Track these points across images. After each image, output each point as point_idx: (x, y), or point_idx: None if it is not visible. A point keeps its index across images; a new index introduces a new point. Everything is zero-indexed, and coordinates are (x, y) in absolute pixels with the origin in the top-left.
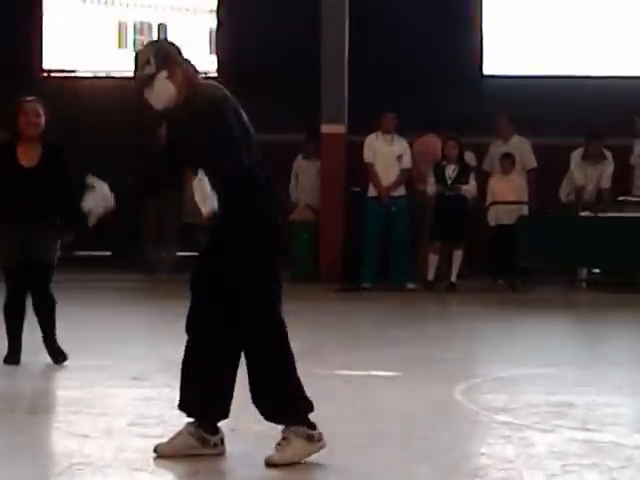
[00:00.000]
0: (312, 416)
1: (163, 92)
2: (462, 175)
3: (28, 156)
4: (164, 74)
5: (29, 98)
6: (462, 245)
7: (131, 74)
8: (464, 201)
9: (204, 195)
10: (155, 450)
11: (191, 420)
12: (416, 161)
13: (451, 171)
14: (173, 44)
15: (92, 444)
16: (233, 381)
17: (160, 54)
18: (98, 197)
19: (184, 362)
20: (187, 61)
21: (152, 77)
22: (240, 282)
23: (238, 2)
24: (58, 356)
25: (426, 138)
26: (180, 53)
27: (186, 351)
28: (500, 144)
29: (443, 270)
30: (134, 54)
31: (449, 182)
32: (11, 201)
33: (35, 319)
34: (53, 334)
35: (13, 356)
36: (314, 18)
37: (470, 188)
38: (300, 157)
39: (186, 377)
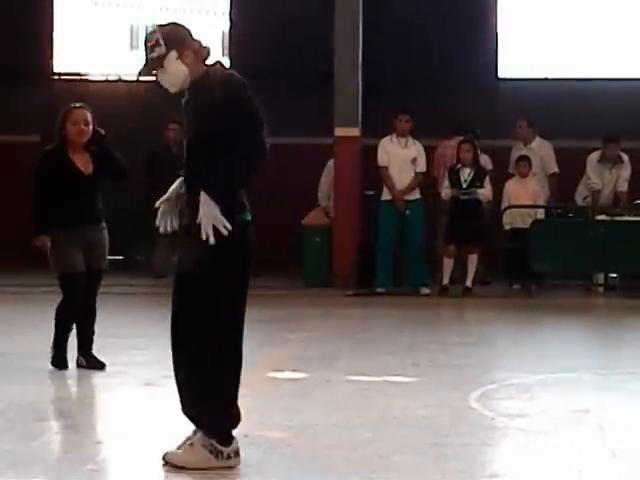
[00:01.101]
0: (330, 422)
1: (175, 73)
2: (477, 179)
3: (82, 163)
4: (174, 54)
5: (78, 104)
6: (477, 249)
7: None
8: (479, 205)
9: (213, 215)
10: (164, 457)
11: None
12: (437, 165)
13: (466, 175)
14: (182, 25)
15: (104, 450)
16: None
17: (169, 35)
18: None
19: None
20: (198, 42)
21: (162, 58)
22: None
23: (250, 4)
24: (97, 363)
25: (451, 142)
26: (190, 34)
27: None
28: (521, 147)
29: (458, 275)
30: (145, 34)
31: (464, 186)
32: (72, 207)
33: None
34: (91, 342)
35: (62, 360)
36: (327, 19)
37: (485, 192)
38: (332, 161)
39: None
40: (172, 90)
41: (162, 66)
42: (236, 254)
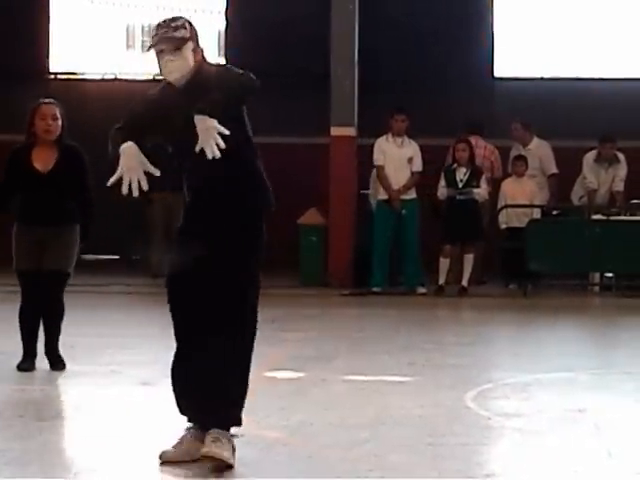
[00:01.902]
0: (326, 421)
1: (187, 61)
2: (473, 178)
3: (44, 160)
4: (191, 44)
5: (46, 100)
6: (473, 249)
7: (140, 75)
8: (475, 204)
9: (211, 127)
10: (160, 457)
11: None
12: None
13: (462, 174)
14: None
15: (102, 449)
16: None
17: (192, 26)
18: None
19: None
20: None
21: (184, 41)
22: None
23: (246, 4)
24: (58, 364)
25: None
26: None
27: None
28: (520, 149)
29: (454, 274)
30: (167, 18)
31: (460, 185)
32: (26, 205)
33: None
34: (57, 341)
35: (27, 362)
36: (323, 19)
37: (481, 191)
38: None
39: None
40: (173, 77)
41: (180, 49)
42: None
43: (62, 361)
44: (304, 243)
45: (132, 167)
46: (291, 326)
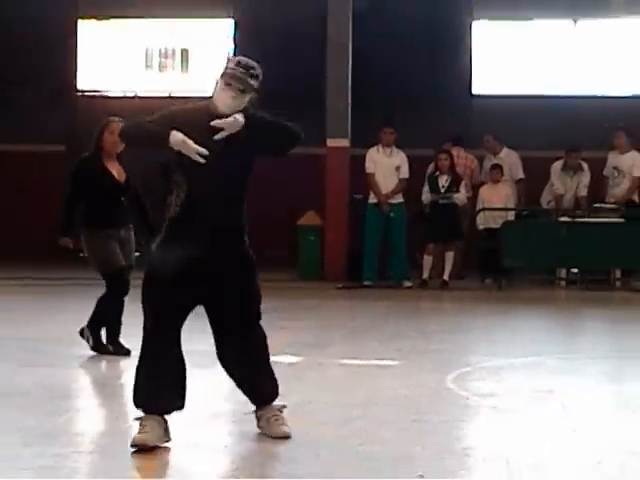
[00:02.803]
0: (322, 401)
1: (241, 104)
2: (453, 184)
3: (117, 172)
4: (252, 95)
5: (115, 118)
6: (453, 247)
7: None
8: (455, 208)
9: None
10: (135, 442)
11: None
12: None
13: (444, 181)
14: None
15: (122, 426)
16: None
17: (260, 82)
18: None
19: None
20: None
21: (251, 91)
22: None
23: (252, 30)
24: (122, 349)
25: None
26: None
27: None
28: (491, 157)
29: (436, 270)
30: (253, 62)
31: (442, 191)
32: (108, 210)
33: (67, 312)
34: (120, 330)
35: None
36: (320, 43)
37: (461, 196)
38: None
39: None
40: (225, 110)
41: (244, 93)
42: None
43: (125, 347)
44: (303, 242)
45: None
46: (291, 315)
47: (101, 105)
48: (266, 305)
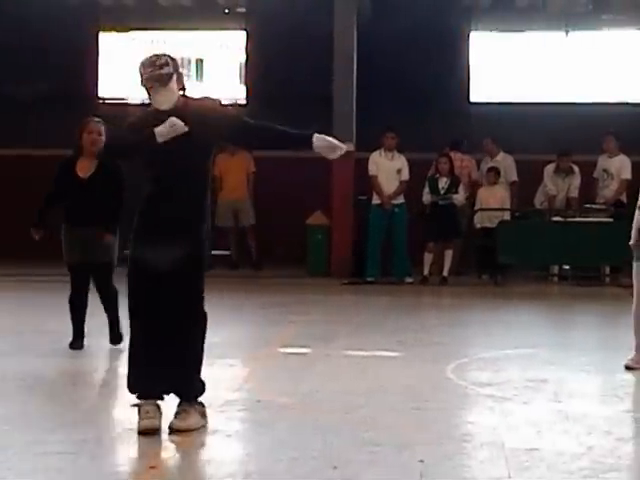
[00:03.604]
0: (329, 389)
1: (173, 93)
2: (452, 186)
3: (85, 168)
4: (174, 77)
5: (95, 119)
6: (452, 245)
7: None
8: (454, 208)
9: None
10: (140, 428)
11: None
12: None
13: (443, 183)
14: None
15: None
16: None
17: (174, 60)
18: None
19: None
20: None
21: (170, 77)
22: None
23: (263, 40)
24: (117, 340)
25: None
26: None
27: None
28: (488, 160)
29: (436, 267)
30: (148, 57)
31: (442, 192)
32: (70, 207)
33: (93, 306)
34: (117, 321)
35: (77, 342)
36: (327, 52)
37: (459, 197)
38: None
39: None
40: (165, 107)
41: (167, 84)
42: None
43: (121, 337)
44: (311, 240)
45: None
46: (299, 310)
47: (121, 112)
48: (276, 300)
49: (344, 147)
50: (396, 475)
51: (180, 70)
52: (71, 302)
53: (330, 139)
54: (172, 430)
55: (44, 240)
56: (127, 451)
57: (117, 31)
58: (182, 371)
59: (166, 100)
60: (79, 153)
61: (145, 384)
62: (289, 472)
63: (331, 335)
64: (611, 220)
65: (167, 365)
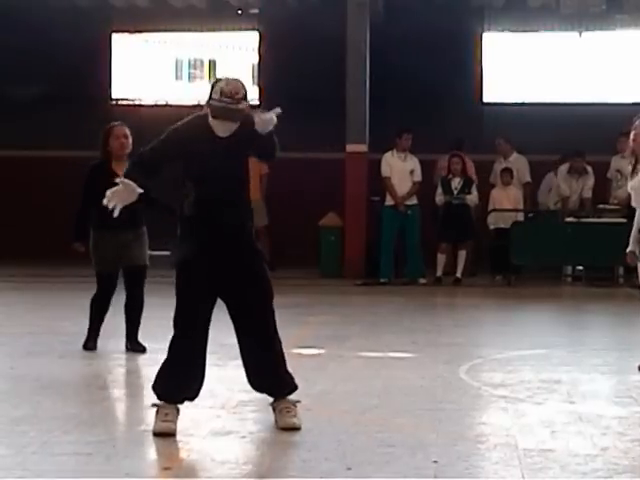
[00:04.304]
0: (342, 390)
1: (236, 124)
2: (465, 186)
3: (120, 172)
4: (246, 111)
5: (116, 123)
6: (465, 246)
7: (186, 101)
8: (467, 208)
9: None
10: (156, 431)
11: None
12: (438, 175)
13: (456, 183)
14: None
15: (154, 414)
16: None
17: (246, 92)
18: (121, 191)
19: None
20: None
21: (243, 112)
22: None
23: (276, 41)
24: (142, 350)
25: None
26: None
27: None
28: (502, 161)
29: (450, 267)
30: (236, 84)
31: (455, 192)
32: (106, 212)
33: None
34: (137, 330)
35: (91, 342)
36: (339, 52)
37: (472, 197)
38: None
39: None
40: (223, 135)
41: (238, 121)
42: None
43: (142, 346)
44: (324, 241)
45: (121, 198)
46: (313, 311)
47: (134, 113)
48: (290, 301)
49: (274, 115)
50: (410, 476)
51: (247, 99)
52: (95, 302)
53: (266, 115)
54: (289, 428)
55: (58, 242)
56: (142, 452)
57: (130, 33)
58: (275, 370)
59: (227, 130)
60: (108, 158)
61: (174, 388)
62: (303, 473)
63: (345, 336)
64: (625, 221)
65: (262, 369)
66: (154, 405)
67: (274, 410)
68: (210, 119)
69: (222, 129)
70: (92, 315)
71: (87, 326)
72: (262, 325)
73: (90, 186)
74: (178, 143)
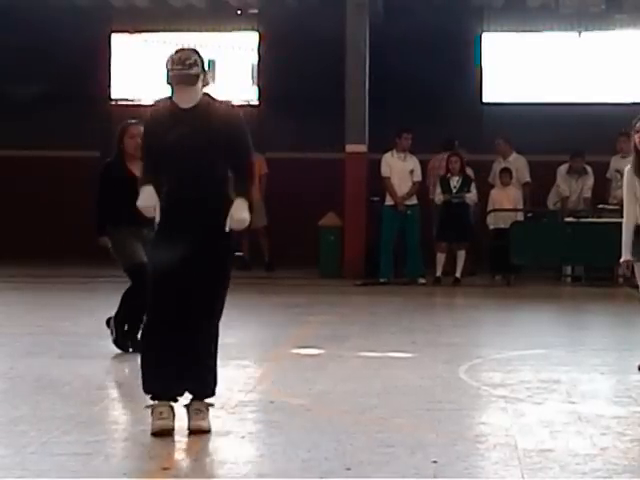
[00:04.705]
0: (342, 390)
1: (197, 93)
2: (464, 185)
3: (135, 169)
4: (201, 77)
5: (132, 121)
6: (465, 245)
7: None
8: (467, 207)
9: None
10: (155, 430)
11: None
12: (430, 174)
13: (455, 182)
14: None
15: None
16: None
17: (202, 59)
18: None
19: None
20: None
21: (197, 77)
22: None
23: (275, 41)
24: (138, 346)
25: (438, 156)
26: None
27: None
28: (501, 161)
29: (449, 267)
30: (186, 52)
31: (454, 191)
32: (131, 209)
33: (104, 308)
34: (139, 329)
35: (126, 342)
36: (339, 52)
37: (472, 196)
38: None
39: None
40: (187, 105)
41: (194, 84)
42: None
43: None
44: (323, 241)
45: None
46: (312, 311)
47: (133, 113)
48: (289, 301)
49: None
50: (409, 476)
51: (206, 68)
52: (134, 300)
53: (240, 215)
54: (196, 431)
55: (58, 242)
56: (141, 452)
57: (129, 33)
58: (199, 370)
59: (190, 99)
60: (122, 156)
61: (160, 385)
62: (302, 473)
63: (344, 336)
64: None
65: (184, 365)
66: (147, 407)
67: (187, 409)
68: (174, 97)
69: (182, 98)
70: (125, 311)
71: (113, 323)
72: (199, 312)
73: (107, 183)
74: (151, 131)
